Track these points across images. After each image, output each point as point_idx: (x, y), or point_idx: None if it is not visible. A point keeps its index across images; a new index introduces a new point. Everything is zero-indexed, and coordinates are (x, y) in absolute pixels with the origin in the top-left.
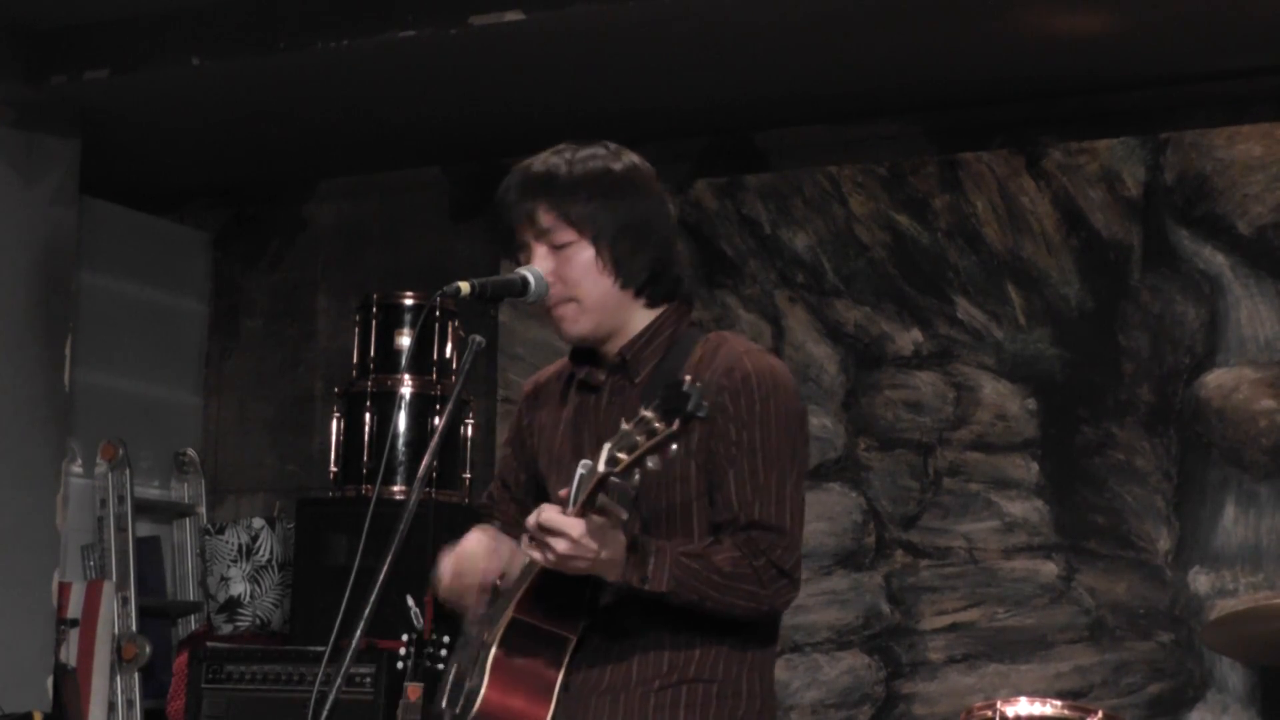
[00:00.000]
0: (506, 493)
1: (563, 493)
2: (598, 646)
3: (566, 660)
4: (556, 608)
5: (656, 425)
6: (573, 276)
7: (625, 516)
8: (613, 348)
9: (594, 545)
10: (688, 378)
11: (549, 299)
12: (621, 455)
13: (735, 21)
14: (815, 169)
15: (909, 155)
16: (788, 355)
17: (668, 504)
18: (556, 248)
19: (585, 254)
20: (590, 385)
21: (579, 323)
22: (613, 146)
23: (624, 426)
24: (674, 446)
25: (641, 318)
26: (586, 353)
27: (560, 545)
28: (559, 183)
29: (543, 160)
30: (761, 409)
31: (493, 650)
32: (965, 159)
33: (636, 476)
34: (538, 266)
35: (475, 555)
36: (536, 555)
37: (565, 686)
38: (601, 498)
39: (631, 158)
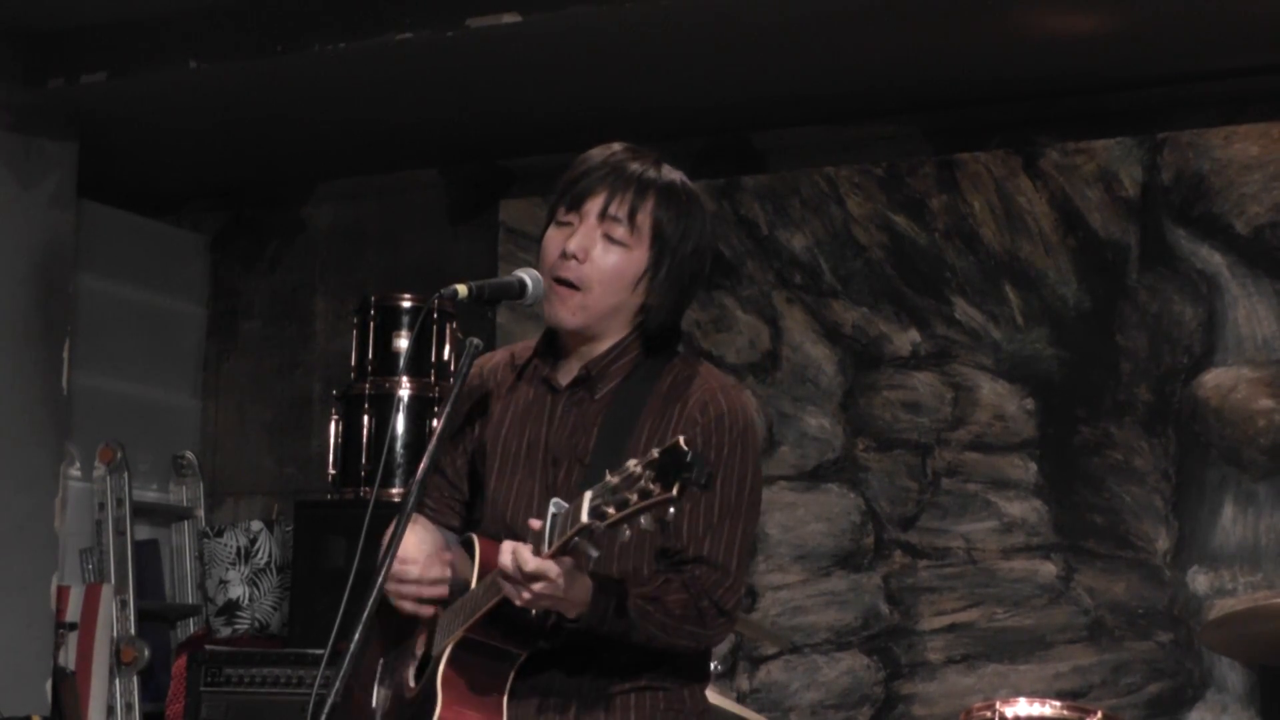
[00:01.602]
0: (441, 478)
1: (534, 524)
2: (548, 662)
3: (513, 674)
4: (510, 630)
5: (651, 486)
6: (606, 272)
7: (595, 555)
8: (583, 353)
9: (566, 586)
10: (682, 441)
11: (559, 271)
12: (610, 510)
13: (732, 22)
14: (812, 170)
15: (906, 156)
16: (785, 356)
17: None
18: (613, 240)
19: (635, 264)
20: (550, 385)
21: (575, 315)
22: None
23: (609, 479)
24: (671, 511)
25: (615, 335)
26: (554, 348)
27: (539, 588)
28: (675, 197)
29: (657, 164)
30: (729, 452)
31: (442, 666)
32: (962, 159)
33: (628, 533)
34: (579, 240)
35: (415, 562)
36: (511, 594)
37: (513, 694)
38: (576, 540)
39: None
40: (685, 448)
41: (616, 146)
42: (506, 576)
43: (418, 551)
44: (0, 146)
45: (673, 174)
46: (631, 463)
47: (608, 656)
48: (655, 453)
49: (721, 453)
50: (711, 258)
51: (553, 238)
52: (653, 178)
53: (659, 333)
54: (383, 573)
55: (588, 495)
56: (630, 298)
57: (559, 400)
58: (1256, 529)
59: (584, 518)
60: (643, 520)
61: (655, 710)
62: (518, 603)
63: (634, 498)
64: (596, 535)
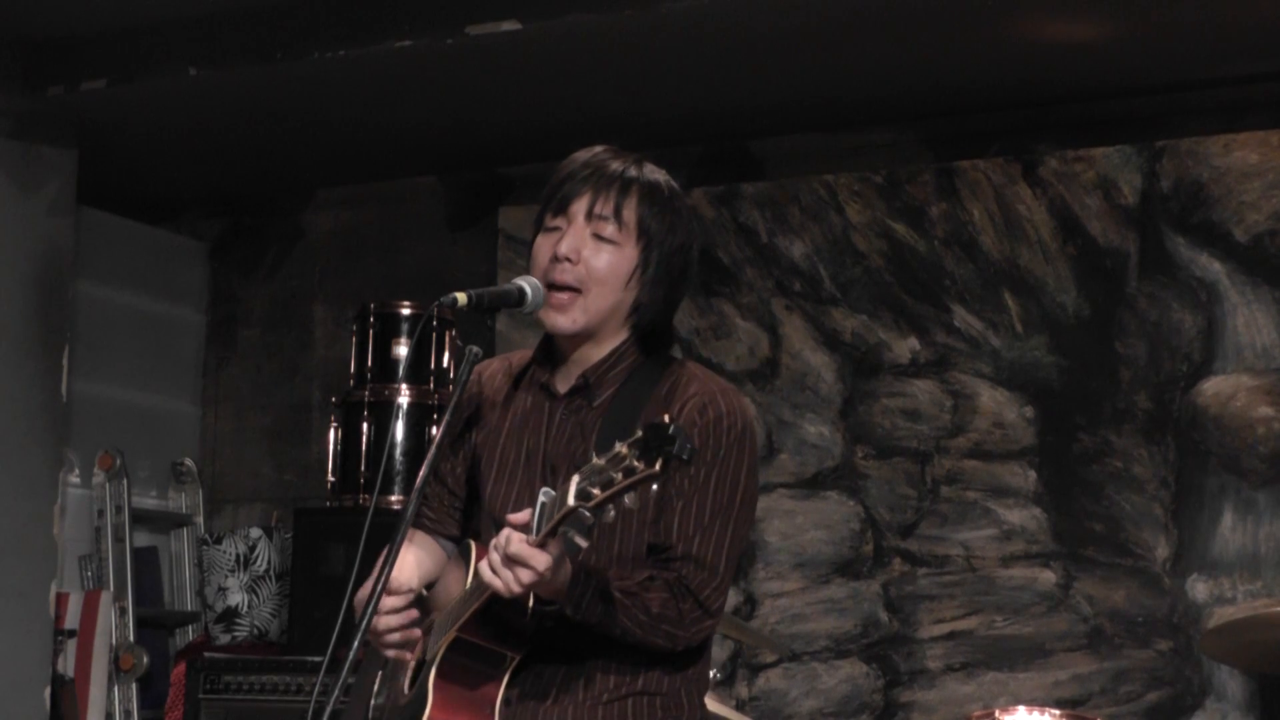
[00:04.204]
0: (441, 486)
1: (515, 518)
2: (542, 666)
3: (506, 677)
4: (501, 630)
5: (636, 464)
6: (599, 272)
7: (585, 545)
8: (580, 359)
9: (551, 574)
10: (666, 418)
11: (553, 276)
12: (595, 491)
13: (731, 29)
14: (812, 177)
15: (905, 163)
16: (785, 364)
17: (622, 530)
18: (603, 239)
19: (626, 261)
20: (549, 391)
21: (575, 318)
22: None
23: (595, 460)
24: (654, 487)
25: (613, 340)
26: (551, 354)
27: (525, 576)
28: (657, 194)
29: (639, 163)
30: (725, 454)
31: (434, 668)
32: (962, 167)
33: (612, 513)
34: (569, 241)
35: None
36: (499, 584)
37: (506, 701)
38: (563, 528)
39: None
40: (668, 422)
41: (598, 148)
42: (492, 565)
43: (410, 578)
44: (0, 153)
45: (655, 173)
46: (617, 444)
47: (601, 661)
48: (640, 431)
49: (718, 454)
50: (698, 256)
51: (542, 244)
52: (635, 175)
53: (653, 333)
54: (372, 602)
55: (575, 479)
56: (624, 295)
57: (557, 408)
58: (1256, 537)
59: (570, 500)
60: (627, 499)
61: (652, 715)
62: (504, 593)
63: (619, 476)
64: (585, 522)
